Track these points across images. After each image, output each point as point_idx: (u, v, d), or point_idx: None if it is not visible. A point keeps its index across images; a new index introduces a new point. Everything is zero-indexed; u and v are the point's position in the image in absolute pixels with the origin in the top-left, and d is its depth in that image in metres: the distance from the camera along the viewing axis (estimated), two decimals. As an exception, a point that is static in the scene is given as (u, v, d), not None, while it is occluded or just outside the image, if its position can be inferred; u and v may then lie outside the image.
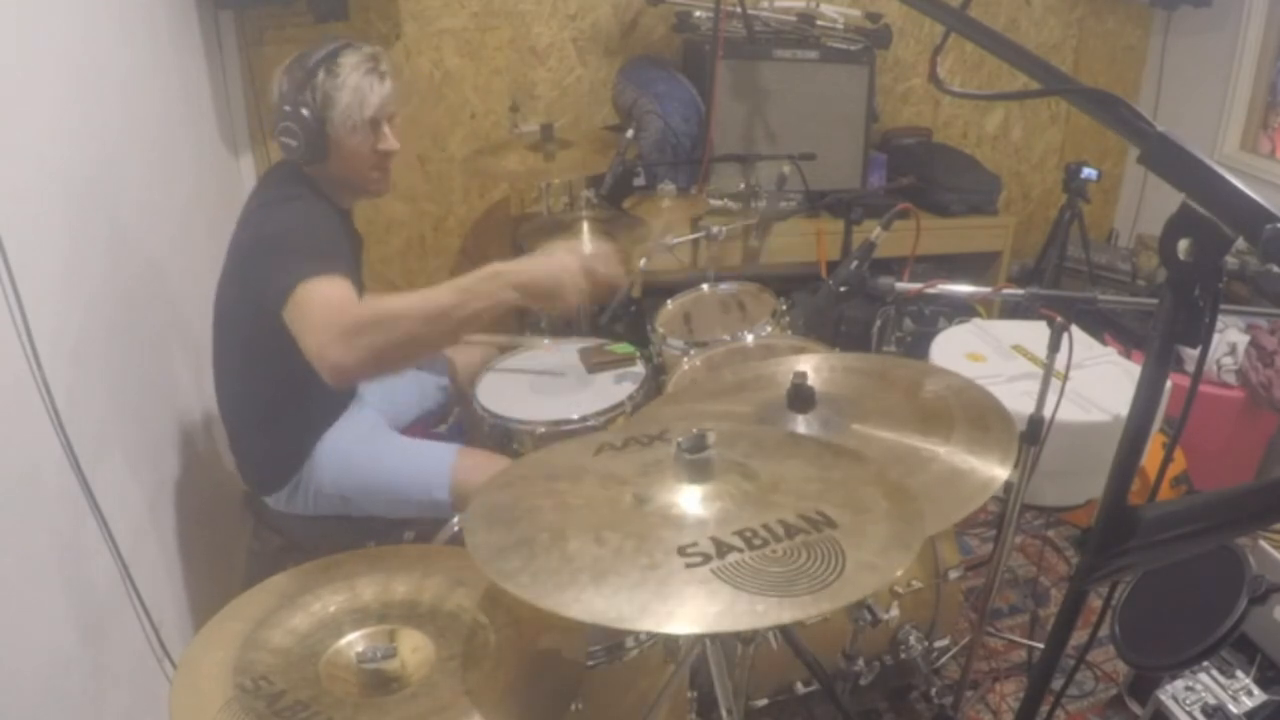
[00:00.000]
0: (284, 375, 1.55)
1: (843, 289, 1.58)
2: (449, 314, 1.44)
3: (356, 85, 1.62)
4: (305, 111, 1.60)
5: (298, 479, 1.79)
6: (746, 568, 0.94)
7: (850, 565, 0.95)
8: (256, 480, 1.84)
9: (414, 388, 2.16)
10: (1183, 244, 0.74)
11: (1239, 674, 1.83)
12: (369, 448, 1.85)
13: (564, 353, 2.24)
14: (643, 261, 2.39)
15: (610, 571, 0.95)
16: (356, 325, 1.39)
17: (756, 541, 0.98)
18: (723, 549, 0.97)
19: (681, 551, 0.97)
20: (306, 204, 1.65)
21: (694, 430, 1.10)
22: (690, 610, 0.90)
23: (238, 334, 1.72)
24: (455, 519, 1.79)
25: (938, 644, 1.92)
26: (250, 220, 1.67)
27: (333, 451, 1.81)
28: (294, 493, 1.80)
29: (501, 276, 1.47)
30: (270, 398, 1.73)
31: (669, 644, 1.49)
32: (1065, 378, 1.61)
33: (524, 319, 3.19)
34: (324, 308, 1.41)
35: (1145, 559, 0.85)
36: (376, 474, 1.83)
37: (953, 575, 1.85)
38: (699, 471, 1.09)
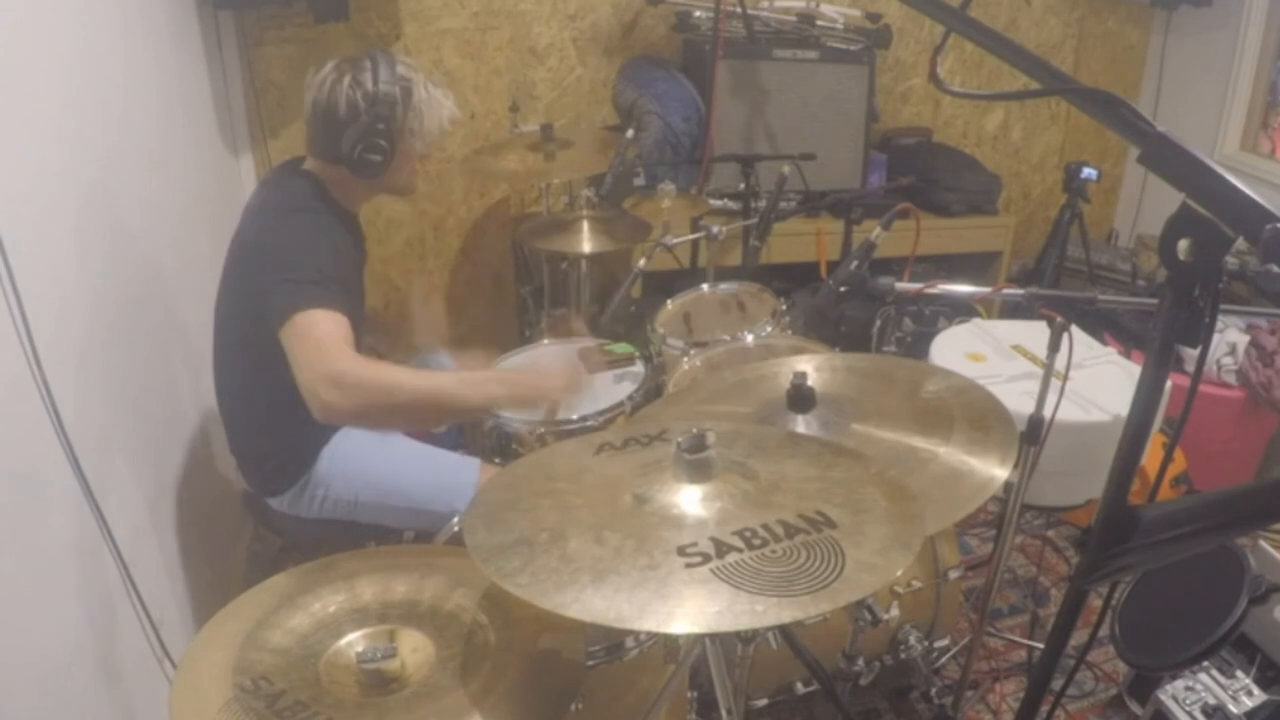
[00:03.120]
0: (287, 378, 1.55)
1: (843, 289, 1.58)
2: (444, 401, 1.54)
3: (436, 100, 1.70)
4: (387, 125, 1.63)
5: (305, 482, 1.78)
6: (746, 568, 0.94)
7: (850, 565, 0.95)
8: (259, 482, 1.83)
9: None
10: (1183, 244, 0.74)
11: (1239, 674, 1.83)
12: (386, 457, 1.84)
13: (564, 353, 2.24)
14: (642, 261, 2.39)
15: (610, 571, 0.95)
16: (355, 380, 1.44)
17: (756, 541, 0.98)
18: (722, 549, 0.97)
19: (681, 551, 0.97)
20: (315, 218, 1.65)
21: (694, 430, 1.10)
22: (690, 610, 0.90)
23: (239, 336, 1.72)
24: (455, 519, 1.79)
25: (938, 644, 1.92)
26: (255, 223, 1.66)
27: (345, 458, 1.80)
28: (299, 496, 1.79)
29: (499, 384, 1.60)
30: (273, 400, 1.72)
31: (669, 644, 1.49)
32: (1065, 378, 1.61)
33: (523, 318, 3.19)
34: (320, 347, 1.45)
35: (1145, 559, 0.85)
36: (396, 484, 1.82)
37: (953, 575, 1.85)
38: (699, 471, 1.09)
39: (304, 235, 1.60)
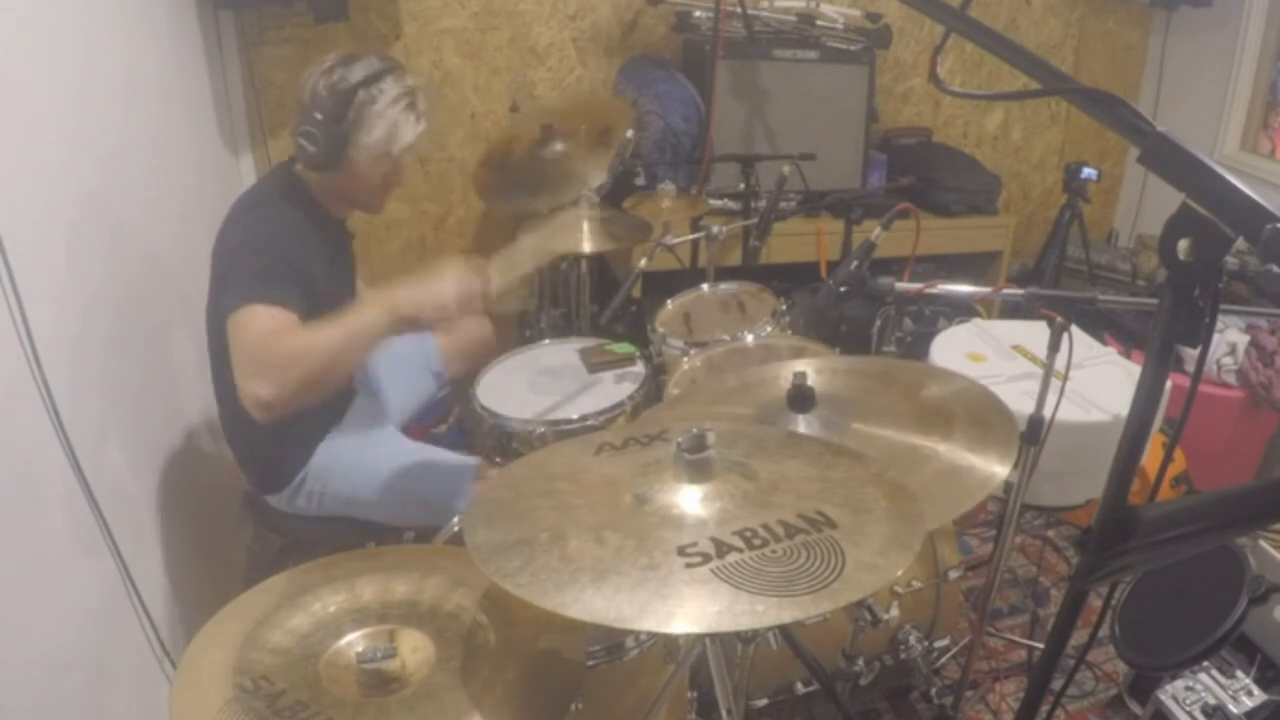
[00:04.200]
0: None
1: (843, 289, 1.58)
2: (355, 337, 1.50)
3: (393, 120, 1.62)
4: (334, 124, 1.59)
5: (302, 479, 1.79)
6: (746, 568, 0.94)
7: (850, 565, 0.95)
8: (258, 478, 1.84)
9: (408, 379, 2.15)
10: (1183, 244, 0.74)
11: (1239, 674, 1.83)
12: (385, 455, 1.84)
13: (564, 353, 2.24)
14: (642, 261, 2.39)
15: (610, 571, 0.95)
16: (268, 362, 1.44)
17: (756, 541, 0.98)
18: (722, 549, 0.97)
19: (681, 551, 0.97)
20: (276, 212, 1.64)
21: (694, 430, 1.10)
22: (690, 610, 0.90)
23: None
24: (455, 519, 1.79)
25: (938, 644, 1.92)
26: (227, 221, 1.67)
27: (343, 454, 1.80)
28: (297, 493, 1.80)
29: (388, 302, 1.51)
30: None
31: (669, 644, 1.49)
32: (1065, 378, 1.61)
33: (523, 318, 3.19)
34: (248, 343, 1.46)
35: (1145, 559, 0.85)
36: (395, 483, 1.82)
37: (953, 575, 1.85)
38: (699, 471, 1.09)
39: (258, 230, 1.60)
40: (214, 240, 1.67)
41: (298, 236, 1.65)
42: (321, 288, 1.65)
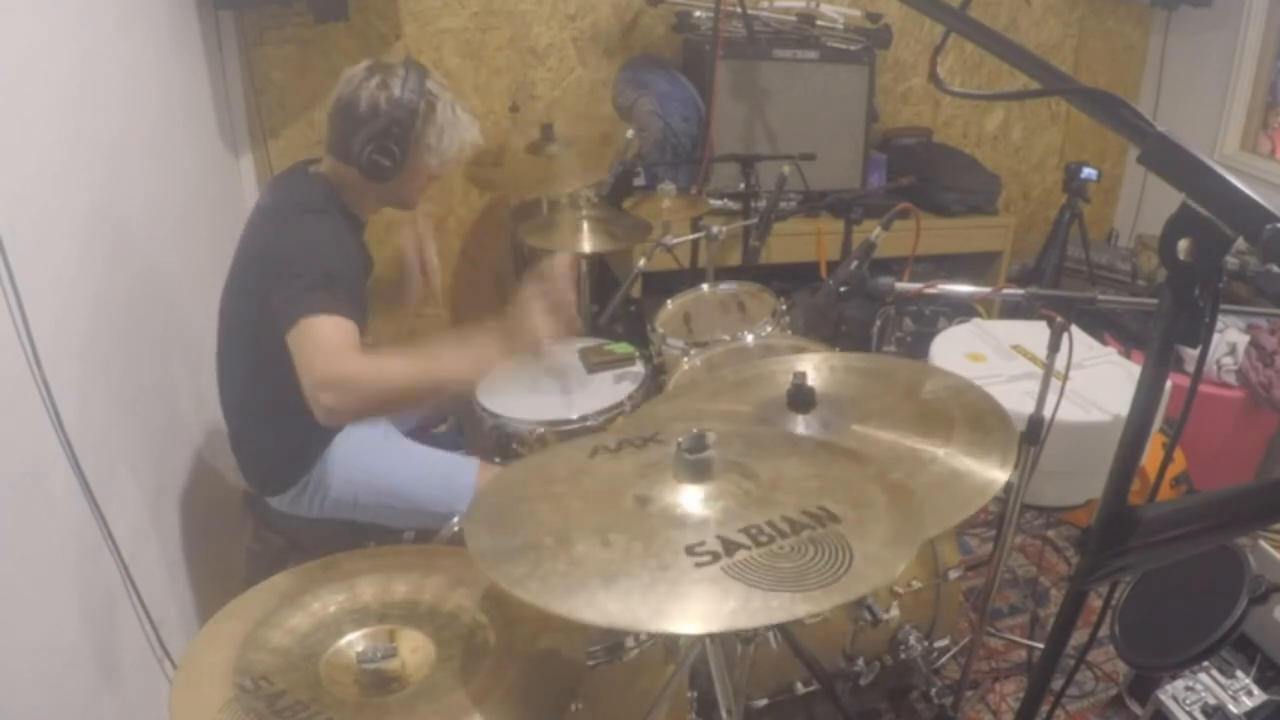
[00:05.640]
0: (292, 379, 1.56)
1: (843, 289, 1.58)
2: (441, 380, 1.56)
3: (460, 120, 1.72)
4: (404, 133, 1.64)
5: (306, 481, 1.78)
6: (757, 564, 0.94)
7: (859, 558, 0.95)
8: (260, 481, 1.83)
9: None
10: (1183, 244, 0.74)
11: (1239, 674, 1.83)
12: (387, 457, 1.85)
13: (564, 353, 2.24)
14: (642, 261, 2.39)
15: (621, 574, 0.94)
16: (355, 383, 1.46)
17: (763, 538, 0.98)
18: (730, 547, 0.97)
19: (690, 551, 0.97)
20: (326, 220, 1.65)
21: (693, 430, 1.10)
22: (707, 609, 0.90)
23: (246, 336, 1.72)
24: (455, 519, 1.79)
25: (938, 644, 1.92)
26: (265, 224, 1.66)
27: (346, 458, 1.80)
28: (300, 495, 1.80)
29: (488, 344, 1.56)
30: (277, 400, 1.71)
31: (669, 644, 1.49)
32: (1065, 378, 1.61)
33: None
34: (323, 352, 1.46)
35: (1145, 559, 0.85)
36: (396, 485, 1.83)
37: (953, 575, 1.85)
38: (699, 471, 1.09)
39: (313, 237, 1.60)
40: (246, 243, 1.67)
41: (347, 247, 1.67)
42: (362, 295, 1.67)
